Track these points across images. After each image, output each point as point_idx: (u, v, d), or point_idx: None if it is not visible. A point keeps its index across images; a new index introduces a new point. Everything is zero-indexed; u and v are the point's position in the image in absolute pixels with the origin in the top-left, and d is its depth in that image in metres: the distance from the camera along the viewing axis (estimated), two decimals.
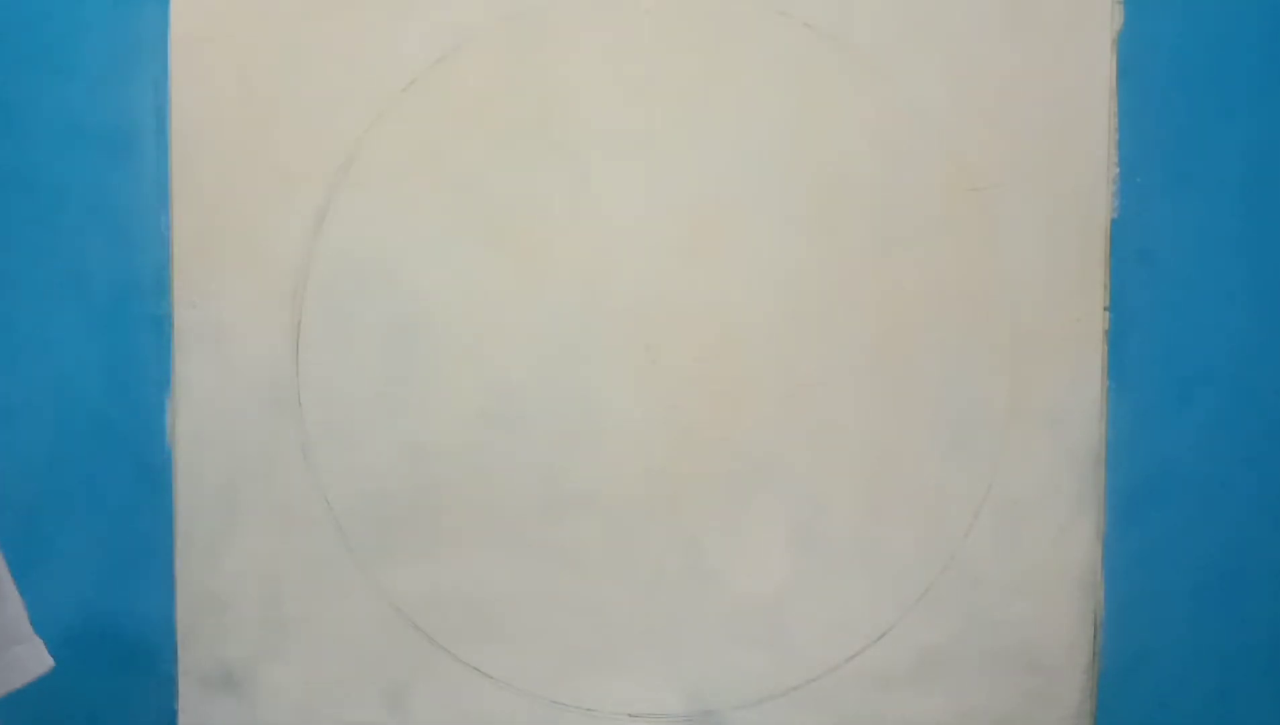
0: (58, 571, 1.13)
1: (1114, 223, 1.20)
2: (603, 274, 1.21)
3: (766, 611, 1.22)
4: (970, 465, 1.21)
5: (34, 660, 0.90)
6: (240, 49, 1.20)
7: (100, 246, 1.21)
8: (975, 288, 1.20)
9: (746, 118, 1.20)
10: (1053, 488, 1.21)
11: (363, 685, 1.23)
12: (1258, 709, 1.23)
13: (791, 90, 1.20)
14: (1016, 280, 1.20)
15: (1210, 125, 1.20)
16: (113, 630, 1.23)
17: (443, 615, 1.23)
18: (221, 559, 1.22)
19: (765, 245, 1.21)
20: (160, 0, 1.20)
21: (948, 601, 1.22)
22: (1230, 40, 1.19)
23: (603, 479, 1.22)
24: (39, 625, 1.09)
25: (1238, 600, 1.22)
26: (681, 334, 1.21)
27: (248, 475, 1.22)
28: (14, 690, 0.89)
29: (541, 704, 1.23)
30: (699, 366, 1.21)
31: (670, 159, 1.20)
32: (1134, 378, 1.21)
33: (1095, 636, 1.22)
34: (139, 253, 1.21)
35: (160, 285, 1.21)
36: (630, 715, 1.24)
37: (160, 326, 1.21)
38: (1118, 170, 1.20)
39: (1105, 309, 1.21)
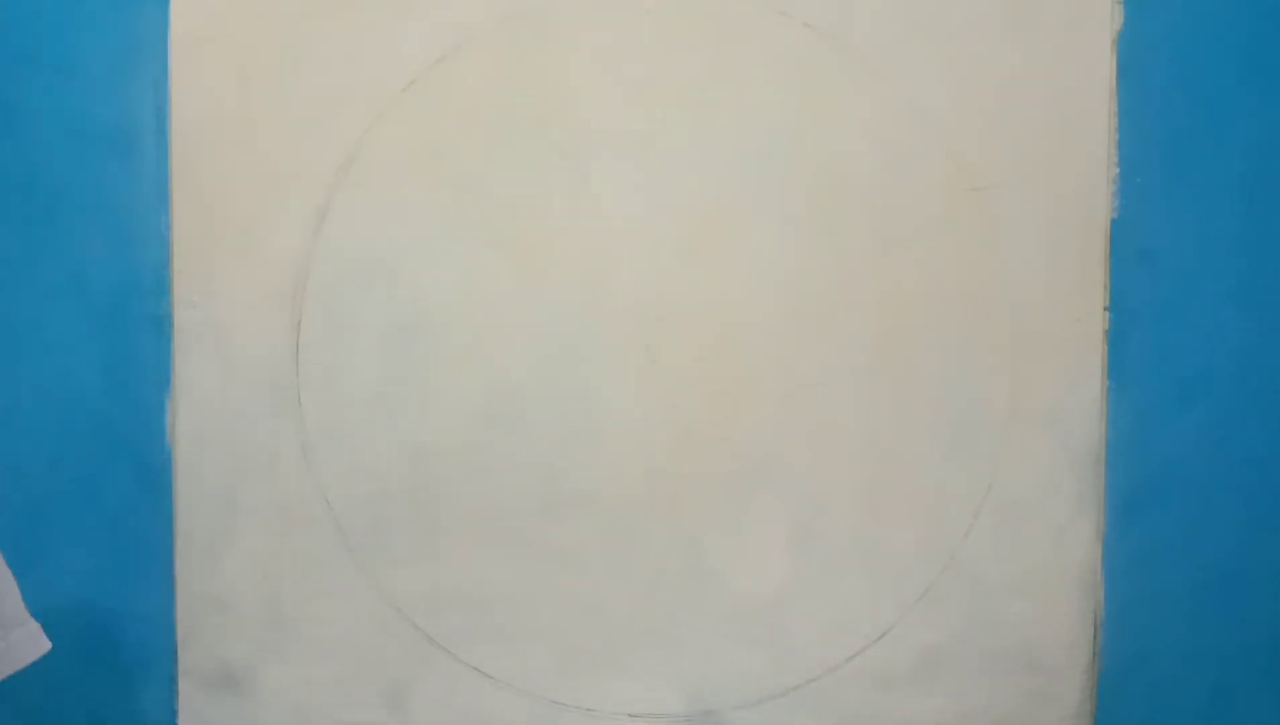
0: (58, 572, 1.13)
1: (1114, 223, 1.20)
2: (603, 274, 1.21)
3: (766, 611, 1.22)
4: (970, 465, 1.21)
5: (32, 643, 0.93)
6: (240, 49, 1.20)
7: (100, 246, 1.21)
8: (975, 288, 1.20)
9: (746, 118, 1.20)
10: (1053, 488, 1.21)
11: (363, 685, 1.24)
12: (1258, 709, 1.23)
13: (791, 90, 1.20)
14: (1016, 280, 1.20)
15: (1210, 125, 1.20)
16: (113, 630, 1.23)
17: (442, 615, 1.23)
18: (221, 559, 1.22)
19: (765, 245, 1.21)
20: (160, 0, 1.20)
21: (948, 601, 1.22)
22: (1230, 40, 1.19)
23: (603, 479, 1.22)
24: (39, 622, 1.09)
25: (1237, 600, 1.22)
26: (681, 334, 1.21)
27: (248, 475, 1.22)
28: (15, 672, 0.91)
29: (541, 704, 1.23)
30: (699, 366, 1.21)
31: (670, 159, 1.20)
32: (1134, 378, 1.21)
33: (1095, 636, 1.22)
34: (139, 253, 1.21)
35: (160, 285, 1.21)
36: (630, 715, 1.24)
37: (160, 326, 1.21)
38: (1118, 170, 1.20)
39: (1105, 309, 1.21)
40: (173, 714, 1.24)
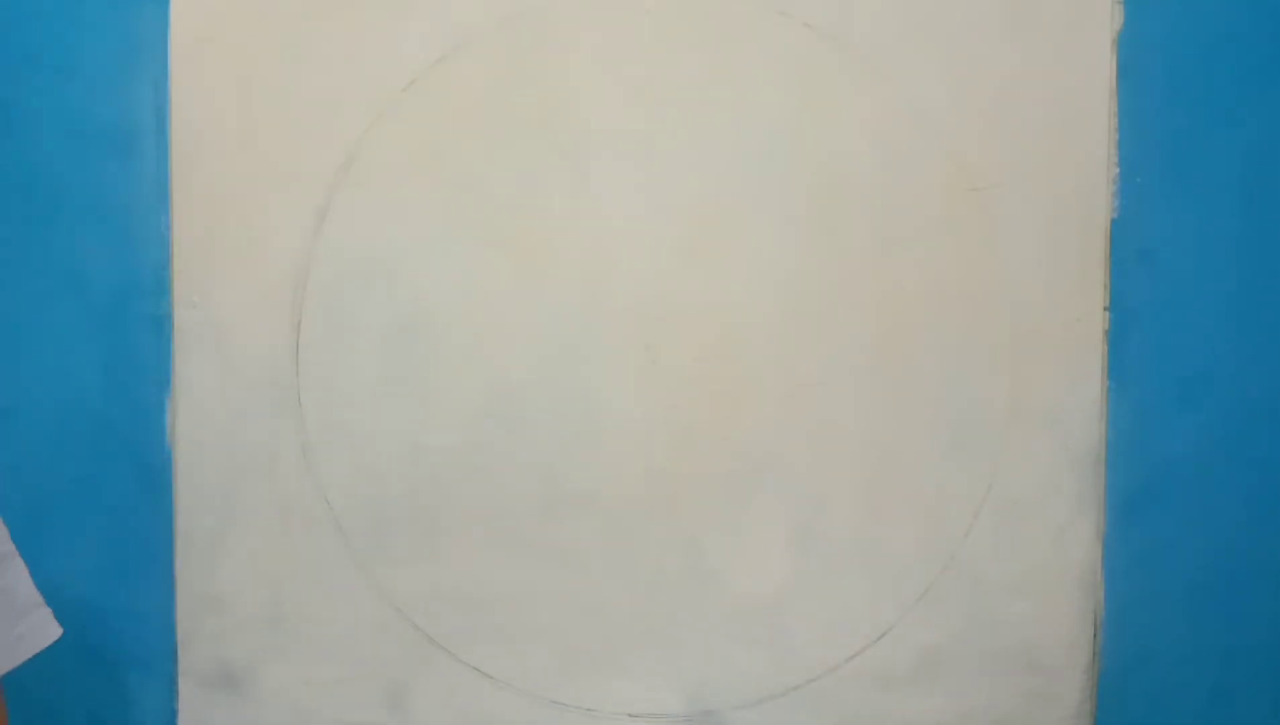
0: (58, 572, 1.13)
1: (1114, 223, 1.20)
2: (603, 274, 1.21)
3: (766, 611, 1.22)
4: (970, 465, 1.21)
5: (49, 627, 0.96)
6: (240, 49, 1.20)
7: (100, 246, 1.21)
8: (975, 288, 1.20)
9: (746, 118, 1.20)
10: (1053, 488, 1.21)
11: (363, 685, 1.24)
12: (1257, 709, 1.23)
13: (791, 90, 1.20)
14: (1016, 280, 1.20)
15: (1210, 125, 1.20)
16: (113, 630, 1.23)
17: (442, 615, 1.23)
18: (221, 559, 1.22)
19: (765, 245, 1.21)
20: (160, 0, 1.20)
21: (948, 601, 1.22)
22: (1230, 41, 1.19)
23: (603, 479, 1.22)
24: None
25: (1237, 600, 1.22)
26: (681, 334, 1.21)
27: (248, 475, 1.22)
28: (26, 660, 0.93)
29: (541, 704, 1.23)
30: (699, 366, 1.21)
31: (670, 159, 1.20)
32: (1134, 378, 1.21)
33: (1095, 636, 1.22)
34: (139, 253, 1.21)
35: (160, 285, 1.21)
36: (630, 715, 1.24)
37: (160, 326, 1.21)
38: (1118, 170, 1.20)
39: (1105, 309, 1.21)
40: (173, 714, 1.24)
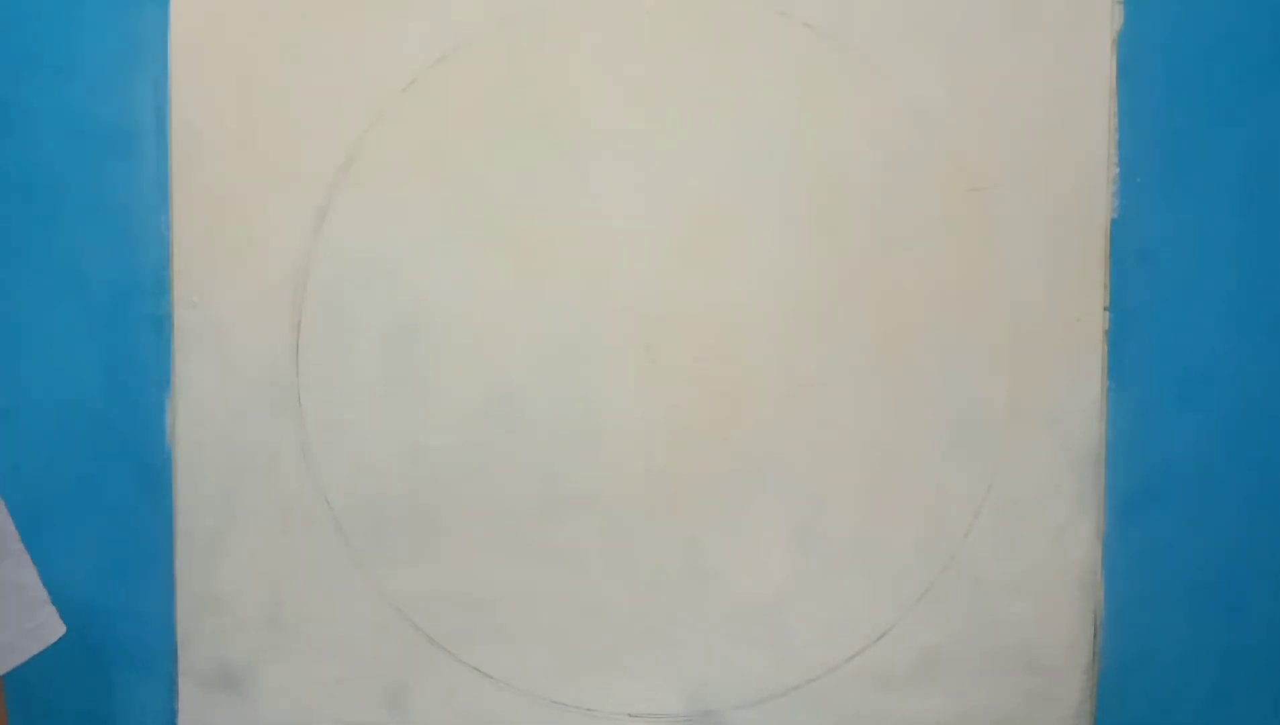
0: (58, 572, 1.13)
1: (1114, 223, 1.20)
2: (603, 274, 1.21)
3: (766, 611, 1.22)
4: (970, 465, 1.21)
5: (56, 623, 0.98)
6: (240, 49, 1.20)
7: (100, 246, 1.21)
8: (975, 288, 1.20)
9: (746, 118, 1.20)
10: (1053, 488, 1.21)
11: (363, 685, 1.24)
12: (1257, 709, 1.23)
13: (791, 90, 1.20)
14: (1016, 280, 1.20)
15: (1210, 125, 1.20)
16: (113, 630, 1.23)
17: (442, 615, 1.23)
18: (221, 559, 1.22)
19: (765, 245, 1.21)
20: (160, 0, 1.20)
21: (948, 601, 1.22)
22: (1230, 41, 1.19)
23: (603, 479, 1.22)
24: None
25: (1237, 600, 1.22)
26: (681, 334, 1.21)
27: (248, 475, 1.22)
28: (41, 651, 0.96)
29: (541, 704, 1.23)
30: (699, 366, 1.21)
31: (670, 159, 1.20)
32: (1134, 378, 1.21)
33: (1095, 636, 1.22)
34: (139, 253, 1.21)
35: (160, 285, 1.21)
36: (630, 715, 1.24)
37: (160, 326, 1.21)
38: (1118, 170, 1.20)
39: (1105, 309, 1.21)
40: (173, 714, 1.24)
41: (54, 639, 0.98)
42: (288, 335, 1.21)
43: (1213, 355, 1.21)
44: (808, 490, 1.22)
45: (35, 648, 0.96)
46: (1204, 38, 1.19)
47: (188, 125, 1.21)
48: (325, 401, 1.21)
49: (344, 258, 1.21)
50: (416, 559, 1.22)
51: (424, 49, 1.20)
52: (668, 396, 1.21)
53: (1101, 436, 1.21)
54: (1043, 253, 1.20)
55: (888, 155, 1.20)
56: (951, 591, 1.22)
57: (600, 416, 1.21)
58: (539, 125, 1.20)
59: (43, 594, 0.98)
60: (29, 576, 0.97)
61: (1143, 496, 1.21)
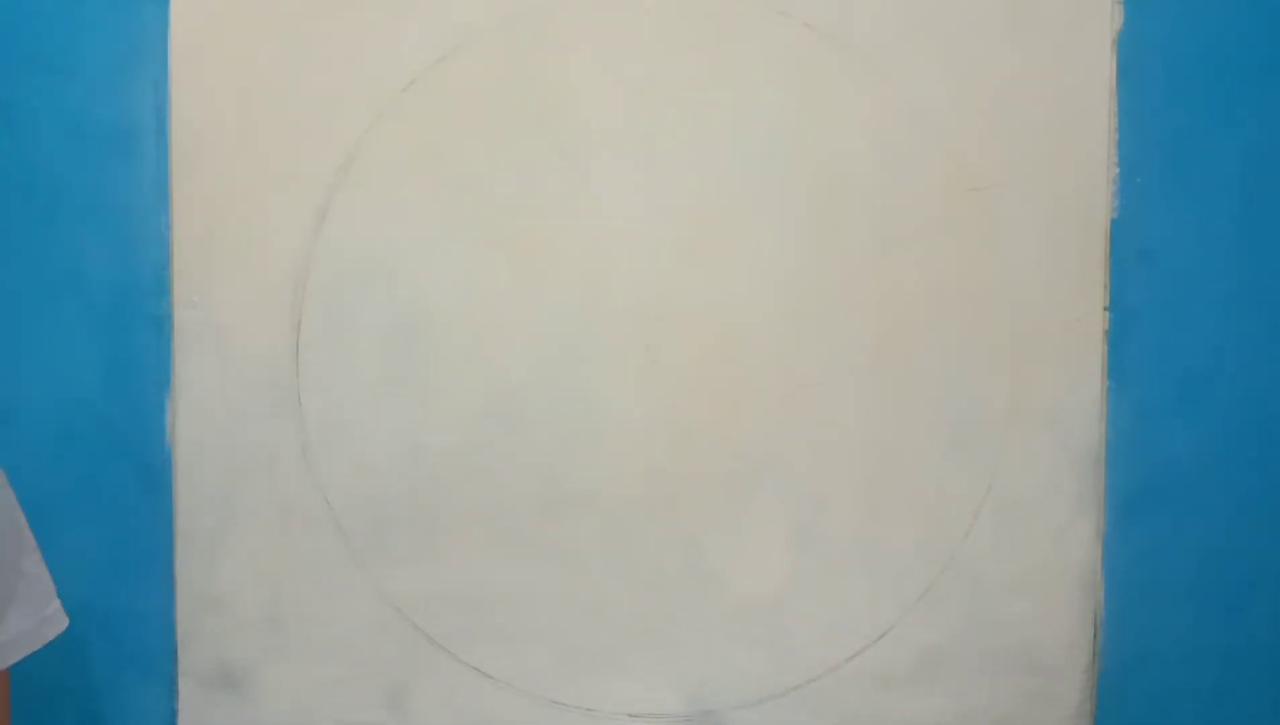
0: (58, 571, 1.13)
1: (1114, 223, 1.20)
2: (603, 274, 1.21)
3: (766, 611, 1.22)
4: (970, 465, 1.21)
5: (62, 615, 1.02)
6: (240, 49, 1.20)
7: (100, 246, 1.21)
8: (975, 288, 1.20)
9: (746, 118, 1.20)
10: (1053, 488, 1.21)
11: (363, 685, 1.24)
12: (1258, 709, 1.23)
13: (791, 90, 1.20)
14: (1016, 280, 1.20)
15: (1210, 125, 1.20)
16: (113, 630, 1.23)
17: (442, 615, 1.23)
18: (221, 559, 1.22)
19: (765, 245, 1.21)
20: (160, 1, 1.20)
21: (948, 601, 1.22)
22: (1230, 41, 1.19)
23: (603, 479, 1.22)
24: None
25: (1238, 600, 1.22)
26: (681, 334, 1.21)
27: (248, 475, 1.22)
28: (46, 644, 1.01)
29: (541, 704, 1.23)
30: (699, 366, 1.21)
31: (670, 159, 1.20)
32: (1134, 378, 1.21)
33: (1095, 636, 1.22)
34: (139, 253, 1.21)
35: (160, 285, 1.21)
36: (630, 715, 1.24)
37: (160, 326, 1.21)
38: (1118, 170, 1.20)
39: (1105, 309, 1.21)
40: (173, 714, 1.24)
41: (61, 630, 1.01)
42: (288, 335, 1.21)
43: (1213, 355, 1.21)
44: (808, 490, 1.22)
45: (49, 635, 1.00)
46: (1204, 38, 1.19)
47: (188, 125, 1.21)
48: (325, 401, 1.21)
49: (344, 258, 1.21)
50: (416, 559, 1.22)
51: (424, 49, 1.20)
52: (668, 396, 1.21)
53: (1101, 436, 1.21)
54: (1043, 253, 1.20)
55: (888, 155, 1.20)
56: (951, 591, 1.22)
57: (600, 416, 1.21)
58: (539, 125, 1.20)
59: (53, 587, 1.02)
60: (43, 569, 1.01)
61: (1143, 496, 1.21)
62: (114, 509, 1.22)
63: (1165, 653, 1.22)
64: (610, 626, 1.23)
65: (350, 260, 1.21)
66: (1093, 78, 1.19)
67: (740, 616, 1.22)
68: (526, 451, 1.21)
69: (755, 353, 1.21)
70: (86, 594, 1.21)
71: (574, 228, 1.21)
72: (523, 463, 1.22)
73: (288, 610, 1.23)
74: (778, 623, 1.22)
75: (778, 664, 1.22)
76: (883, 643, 1.22)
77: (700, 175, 1.20)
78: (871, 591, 1.22)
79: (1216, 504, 1.22)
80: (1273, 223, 1.21)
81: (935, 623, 1.22)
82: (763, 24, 1.20)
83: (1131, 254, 1.20)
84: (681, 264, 1.21)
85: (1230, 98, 1.20)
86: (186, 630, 1.23)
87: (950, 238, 1.20)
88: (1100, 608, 1.22)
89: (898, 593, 1.22)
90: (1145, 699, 1.23)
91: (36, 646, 0.99)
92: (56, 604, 1.01)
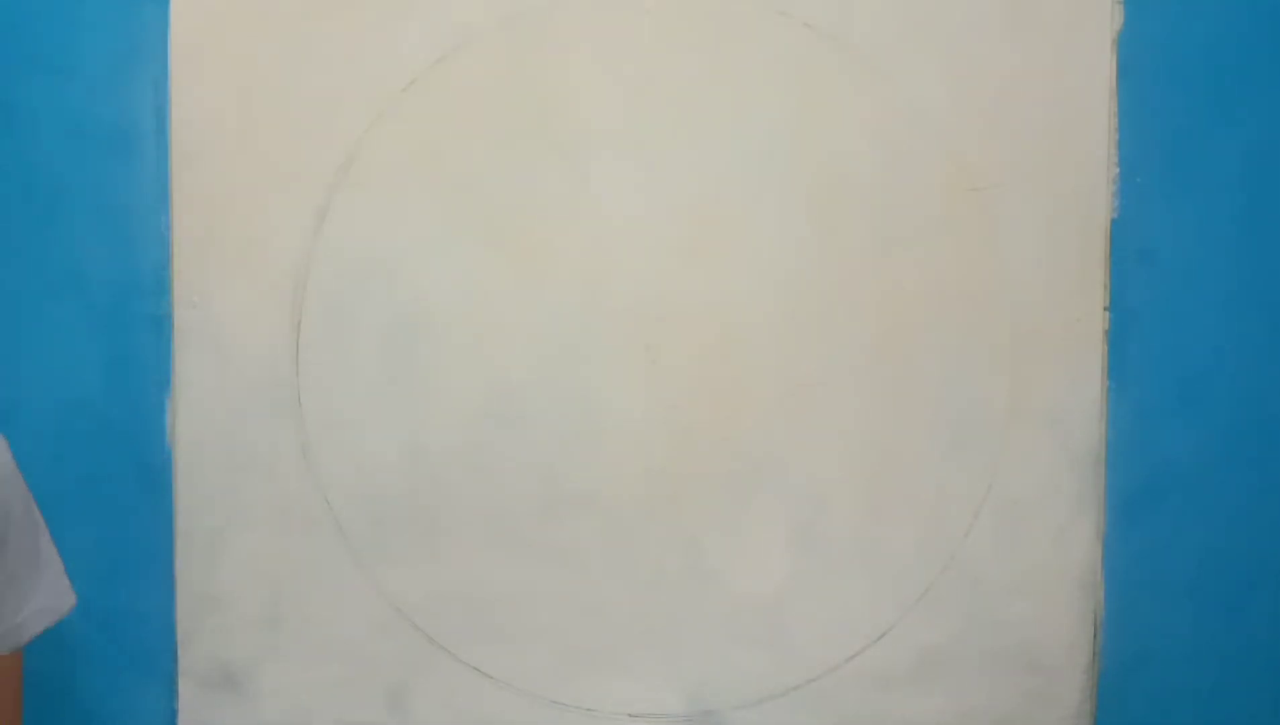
0: None
1: (1114, 223, 1.20)
2: (603, 274, 1.21)
3: (766, 611, 1.22)
4: (970, 465, 1.21)
5: (71, 592, 1.04)
6: (240, 49, 1.20)
7: (100, 246, 1.21)
8: (975, 288, 1.20)
9: (746, 118, 1.20)
10: (1053, 488, 1.21)
11: (363, 685, 1.24)
12: (1258, 709, 1.23)
13: (791, 90, 1.20)
14: (1016, 280, 1.20)
15: (1210, 125, 1.20)
16: (113, 630, 1.23)
17: (442, 615, 1.23)
18: (221, 559, 1.22)
19: (765, 245, 1.21)
20: (160, 1, 1.20)
21: (948, 601, 1.22)
22: (1230, 41, 1.19)
23: (603, 479, 1.22)
24: None
25: (1238, 600, 1.22)
26: (681, 334, 1.21)
27: (248, 475, 1.22)
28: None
29: (541, 704, 1.23)
30: (699, 366, 1.21)
31: (670, 159, 1.20)
32: (1134, 378, 1.21)
33: (1095, 636, 1.22)
34: (139, 253, 1.21)
35: (160, 285, 1.21)
36: (630, 715, 1.24)
37: (160, 326, 1.21)
38: (1118, 170, 1.20)
39: (1105, 309, 1.21)
40: (173, 714, 1.24)
41: (73, 606, 1.03)
42: (288, 335, 1.21)
43: (1213, 355, 1.21)
44: (808, 490, 1.22)
45: (64, 610, 1.02)
46: (1204, 38, 1.19)
47: (188, 125, 1.21)
48: (325, 401, 1.21)
49: (344, 258, 1.21)
50: (416, 559, 1.22)
51: (424, 49, 1.20)
52: (668, 396, 1.21)
53: (1101, 436, 1.21)
54: (1043, 253, 1.20)
55: (888, 155, 1.20)
56: (951, 591, 1.22)
57: (600, 416, 1.21)
58: (539, 125, 1.20)
59: (62, 565, 1.04)
60: (53, 548, 1.03)
61: (1143, 496, 1.21)
62: (114, 509, 1.22)
63: (1165, 653, 1.22)
64: (610, 626, 1.23)
65: (350, 260, 1.21)
66: (1093, 78, 1.19)
67: (740, 616, 1.22)
68: (526, 451, 1.21)
69: (755, 353, 1.21)
70: (86, 594, 1.20)
71: (574, 228, 1.21)
72: (523, 463, 1.22)
73: (287, 610, 1.23)
74: (778, 623, 1.22)
75: (778, 664, 1.22)
76: (883, 643, 1.22)
77: (700, 175, 1.20)
78: (871, 591, 1.22)
79: (1216, 504, 1.22)
80: (1273, 223, 1.21)
81: (935, 623, 1.22)
82: (763, 24, 1.20)
83: (1131, 254, 1.20)
84: (681, 264, 1.21)
85: (1230, 98, 1.20)
86: (186, 630, 1.23)
87: (950, 238, 1.20)
88: (1100, 608, 1.22)
89: (898, 593, 1.22)
90: (1145, 699, 1.23)
91: (52, 623, 1.01)
92: (66, 582, 1.03)
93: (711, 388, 1.21)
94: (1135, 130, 1.20)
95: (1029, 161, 1.20)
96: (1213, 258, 1.21)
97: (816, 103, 1.20)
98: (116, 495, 1.22)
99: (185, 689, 1.24)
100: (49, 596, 1.01)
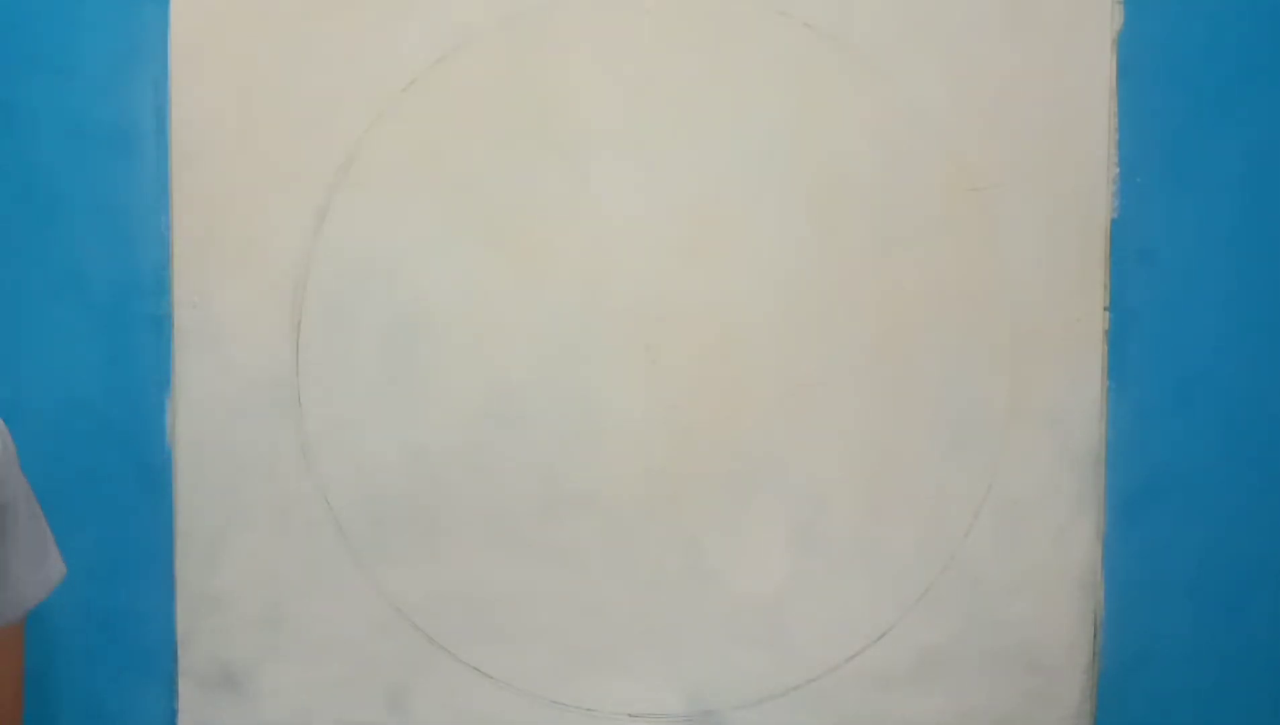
0: None
1: (1114, 223, 1.20)
2: (603, 274, 1.21)
3: (766, 611, 1.22)
4: (970, 465, 1.21)
5: (61, 563, 1.03)
6: (240, 49, 1.20)
7: (100, 246, 1.21)
8: (975, 288, 1.20)
9: (746, 118, 1.20)
10: (1053, 488, 1.21)
11: (363, 685, 1.24)
12: (1258, 709, 1.23)
13: (791, 90, 1.20)
14: (1016, 280, 1.20)
15: (1210, 125, 1.20)
16: (113, 630, 1.23)
17: (443, 615, 1.23)
18: (221, 559, 1.22)
19: (765, 245, 1.21)
20: (160, 1, 1.20)
21: (948, 601, 1.22)
22: (1230, 41, 1.19)
23: (603, 479, 1.22)
24: (39, 622, 1.10)
25: (1238, 600, 1.22)
26: (681, 334, 1.21)
27: (248, 475, 1.22)
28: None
29: (541, 704, 1.23)
30: (699, 366, 1.21)
31: (670, 159, 1.20)
32: (1134, 378, 1.21)
33: (1095, 636, 1.22)
34: (139, 253, 1.21)
35: (160, 285, 1.21)
36: (630, 715, 1.24)
37: (160, 326, 1.21)
38: (1118, 170, 1.20)
39: (1105, 309, 1.21)
40: (173, 714, 1.24)
41: (64, 576, 1.03)
42: (288, 335, 1.21)
43: (1213, 355, 1.21)
44: (808, 490, 1.22)
45: (56, 580, 1.01)
46: (1204, 38, 1.19)
47: (188, 125, 1.21)
48: (325, 401, 1.21)
49: (344, 258, 1.21)
50: (416, 559, 1.22)
51: (424, 49, 1.20)
52: (668, 396, 1.21)
53: (1101, 436, 1.21)
54: (1043, 253, 1.20)
55: (888, 155, 1.20)
56: (951, 591, 1.22)
57: (600, 416, 1.21)
58: (539, 125, 1.20)
59: (52, 536, 1.03)
60: (43, 519, 1.03)
61: (1143, 496, 1.21)
62: (114, 509, 1.22)
63: (1165, 653, 1.22)
64: (610, 626, 1.23)
65: (350, 260, 1.21)
66: (1093, 78, 1.19)
67: (740, 616, 1.22)
68: (526, 451, 1.21)
69: (755, 353, 1.21)
70: (86, 594, 1.21)
71: (574, 228, 1.21)
72: (523, 463, 1.22)
73: (287, 610, 1.23)
74: (778, 623, 1.22)
75: (778, 664, 1.23)
76: (883, 643, 1.22)
77: (700, 175, 1.20)
78: (871, 591, 1.22)
79: (1216, 504, 1.22)
80: (1273, 223, 1.21)
81: (935, 623, 1.22)
82: (763, 24, 1.20)
83: (1131, 254, 1.20)
84: (681, 264, 1.21)
85: (1230, 97, 1.20)
86: (186, 630, 1.23)
87: (950, 238, 1.20)
88: (1100, 608, 1.22)
89: (898, 593, 1.22)
90: (1145, 699, 1.23)
91: (44, 596, 1.00)
92: (57, 553, 1.03)
93: (711, 388, 1.21)
94: (1135, 130, 1.20)
95: (1029, 161, 1.20)
96: (1213, 258, 1.21)
97: (816, 103, 1.20)
98: (116, 495, 1.22)
99: (185, 689, 1.24)
100: (47, 570, 1.01)
